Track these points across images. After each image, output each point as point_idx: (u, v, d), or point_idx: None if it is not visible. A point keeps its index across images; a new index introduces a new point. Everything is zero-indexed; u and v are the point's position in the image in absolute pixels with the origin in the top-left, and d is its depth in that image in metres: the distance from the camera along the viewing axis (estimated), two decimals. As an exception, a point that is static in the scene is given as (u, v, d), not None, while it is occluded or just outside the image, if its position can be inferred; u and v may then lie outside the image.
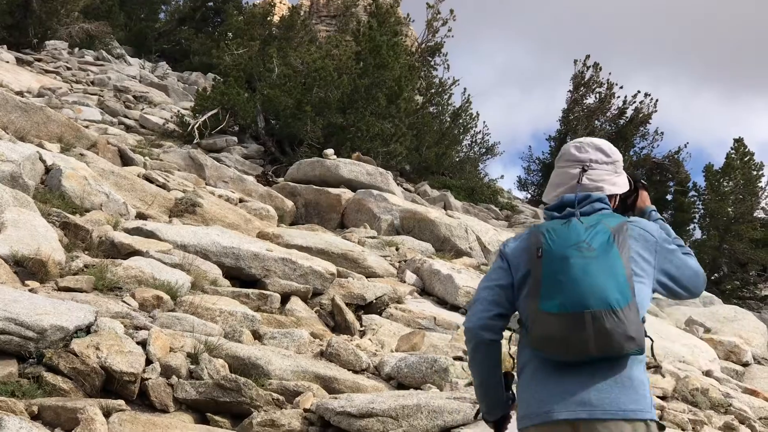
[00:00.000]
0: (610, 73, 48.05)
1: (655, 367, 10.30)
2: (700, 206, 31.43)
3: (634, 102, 39.42)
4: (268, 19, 34.55)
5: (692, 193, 38.57)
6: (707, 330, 15.18)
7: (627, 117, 39.56)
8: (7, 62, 25.03)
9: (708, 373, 11.24)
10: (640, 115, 39.35)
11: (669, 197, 42.42)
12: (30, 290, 6.87)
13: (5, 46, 27.69)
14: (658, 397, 8.96)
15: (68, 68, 28.30)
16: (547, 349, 3.33)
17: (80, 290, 7.25)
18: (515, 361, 3.55)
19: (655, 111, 39.35)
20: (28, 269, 7.42)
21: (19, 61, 26.41)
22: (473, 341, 3.54)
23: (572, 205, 3.61)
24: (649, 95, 39.34)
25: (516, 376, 3.57)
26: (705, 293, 19.19)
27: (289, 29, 33.96)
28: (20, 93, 19.64)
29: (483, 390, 3.67)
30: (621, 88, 40.59)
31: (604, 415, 3.23)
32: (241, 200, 14.80)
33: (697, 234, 34.51)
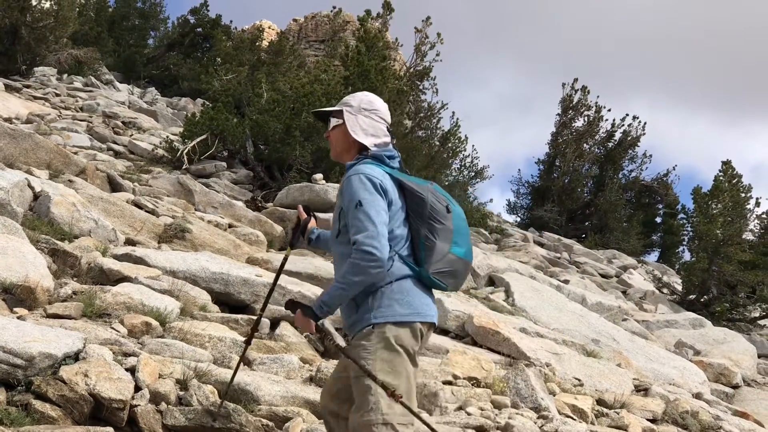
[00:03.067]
0: (598, 96, 48.42)
1: (645, 390, 10.31)
2: (689, 228, 31.45)
3: (623, 125, 39.74)
4: (257, 44, 34.70)
5: (681, 215, 38.75)
6: (697, 352, 15.21)
7: (615, 140, 39.80)
8: (-4, 89, 25.04)
9: (698, 396, 11.26)
10: (629, 138, 39.62)
11: (658, 220, 42.65)
12: (18, 317, 6.84)
13: (-7, 73, 27.75)
14: (647, 420, 8.97)
15: (57, 94, 28.28)
16: (443, 279, 4.58)
17: (69, 317, 7.23)
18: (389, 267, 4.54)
19: (644, 134, 39.79)
20: (17, 296, 7.40)
21: (8, 88, 26.39)
22: (382, 269, 4.40)
23: (395, 158, 4.84)
24: (638, 118, 39.77)
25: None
26: (694, 315, 19.24)
27: (277, 54, 34.06)
28: (8, 119, 19.64)
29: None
30: (609, 111, 40.97)
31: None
32: (230, 225, 14.79)
33: (686, 256, 34.66)
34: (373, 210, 4.39)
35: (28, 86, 28.05)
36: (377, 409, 4.34)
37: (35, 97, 26.43)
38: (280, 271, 5.50)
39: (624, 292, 23.42)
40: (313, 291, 10.17)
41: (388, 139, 4.87)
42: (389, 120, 4.96)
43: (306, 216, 5.26)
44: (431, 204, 4.56)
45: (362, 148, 4.80)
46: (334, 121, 4.93)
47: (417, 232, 4.57)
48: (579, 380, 9.77)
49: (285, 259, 5.41)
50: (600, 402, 9.18)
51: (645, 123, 39.69)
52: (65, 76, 33.03)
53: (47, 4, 30.20)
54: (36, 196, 10.95)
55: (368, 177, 4.50)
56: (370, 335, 4.45)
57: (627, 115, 40.23)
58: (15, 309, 7.16)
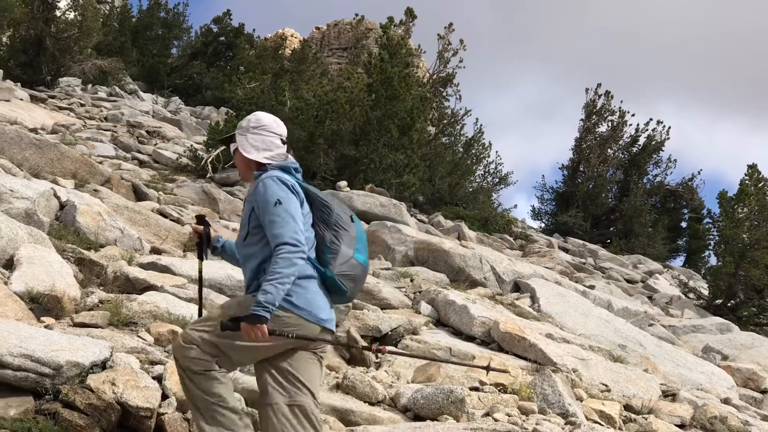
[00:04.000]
0: (621, 101, 48.08)
1: (672, 395, 10.24)
2: (715, 233, 31.22)
3: (647, 130, 39.44)
4: (280, 52, 34.77)
5: (707, 220, 38.49)
6: (724, 357, 15.09)
7: (640, 145, 39.54)
8: (21, 99, 25.21)
9: (726, 401, 11.16)
10: (653, 143, 39.33)
11: (683, 224, 42.38)
12: (45, 326, 6.87)
13: (19, 84, 27.90)
14: (676, 425, 8.90)
15: (81, 104, 28.47)
16: (345, 281, 4.91)
17: (96, 326, 7.24)
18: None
19: (668, 138, 39.38)
20: (44, 305, 7.43)
21: (33, 99, 26.59)
22: (305, 259, 4.74)
23: (299, 171, 5.19)
24: (662, 122, 39.41)
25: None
26: (721, 320, 19.09)
27: (300, 62, 34.15)
28: (34, 130, 19.77)
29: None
30: (633, 115, 40.70)
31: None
32: (254, 233, 14.78)
33: (713, 261, 34.39)
34: (292, 207, 4.78)
35: (53, 96, 28.25)
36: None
37: (60, 108, 26.62)
38: (200, 285, 5.85)
39: (650, 298, 23.28)
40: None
41: (282, 150, 5.21)
42: (282, 132, 5.26)
43: (202, 227, 5.54)
44: (337, 212, 5.01)
45: (259, 165, 5.14)
46: (233, 146, 5.30)
47: (322, 238, 4.95)
48: (606, 386, 9.71)
49: (200, 273, 5.77)
50: (627, 407, 9.12)
51: (669, 127, 39.39)
52: (90, 86, 33.27)
53: (71, 15, 30.44)
54: (62, 206, 11.01)
55: (282, 179, 4.88)
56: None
57: (651, 119, 39.90)
58: (42, 318, 7.19)
